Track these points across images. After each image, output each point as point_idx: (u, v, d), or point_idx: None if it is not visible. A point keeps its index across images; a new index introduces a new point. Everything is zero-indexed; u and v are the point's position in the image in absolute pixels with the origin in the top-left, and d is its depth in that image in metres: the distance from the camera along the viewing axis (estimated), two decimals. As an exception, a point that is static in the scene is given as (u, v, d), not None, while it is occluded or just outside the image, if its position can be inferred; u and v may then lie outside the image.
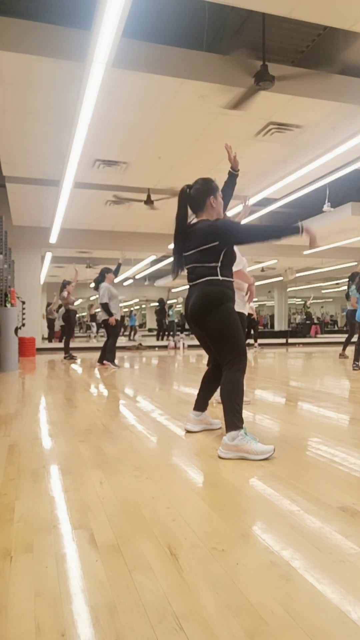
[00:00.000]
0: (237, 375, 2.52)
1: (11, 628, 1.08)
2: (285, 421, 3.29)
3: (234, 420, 2.41)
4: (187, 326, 21.07)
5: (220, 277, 2.54)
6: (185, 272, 2.75)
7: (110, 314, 6.89)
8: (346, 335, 8.50)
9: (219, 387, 2.82)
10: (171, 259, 3.03)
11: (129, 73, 4.87)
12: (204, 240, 2.54)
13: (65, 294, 8.75)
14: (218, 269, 2.55)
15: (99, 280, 7.19)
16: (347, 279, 7.91)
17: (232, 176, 3.16)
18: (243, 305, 3.77)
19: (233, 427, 2.39)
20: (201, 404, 2.98)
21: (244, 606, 1.14)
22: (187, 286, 2.71)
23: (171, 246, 2.80)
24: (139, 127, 6.20)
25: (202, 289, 2.56)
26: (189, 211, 2.69)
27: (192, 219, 2.72)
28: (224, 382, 2.52)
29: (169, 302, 19.90)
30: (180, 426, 3.12)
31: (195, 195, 2.64)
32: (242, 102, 5.12)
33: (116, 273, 6.95)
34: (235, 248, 2.87)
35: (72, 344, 9.38)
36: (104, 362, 7.20)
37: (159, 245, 12.76)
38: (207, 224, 2.58)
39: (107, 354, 7.19)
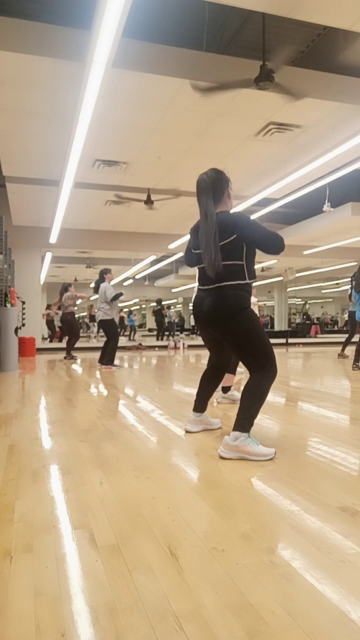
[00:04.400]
0: (266, 383, 2.42)
1: (11, 628, 1.08)
2: (285, 421, 3.28)
3: (243, 423, 2.35)
4: (186, 326, 21.18)
5: (247, 280, 2.40)
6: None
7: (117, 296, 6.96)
8: (346, 335, 8.45)
9: (219, 387, 2.78)
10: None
11: (129, 73, 4.87)
12: (222, 233, 2.38)
13: (68, 295, 8.74)
14: (245, 269, 2.40)
15: (99, 281, 7.20)
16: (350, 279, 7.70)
17: None
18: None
19: (240, 429, 2.35)
20: (201, 405, 2.95)
21: (244, 606, 1.14)
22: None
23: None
24: (139, 127, 6.20)
25: (223, 293, 2.40)
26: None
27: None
28: (251, 384, 2.42)
29: (168, 302, 19.88)
30: (180, 426, 3.12)
31: (215, 185, 2.48)
32: (219, 90, 4.90)
33: (115, 299, 6.94)
34: None
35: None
36: (107, 366, 7.14)
37: (159, 245, 12.75)
38: (226, 214, 2.45)
39: (107, 355, 7.16)
